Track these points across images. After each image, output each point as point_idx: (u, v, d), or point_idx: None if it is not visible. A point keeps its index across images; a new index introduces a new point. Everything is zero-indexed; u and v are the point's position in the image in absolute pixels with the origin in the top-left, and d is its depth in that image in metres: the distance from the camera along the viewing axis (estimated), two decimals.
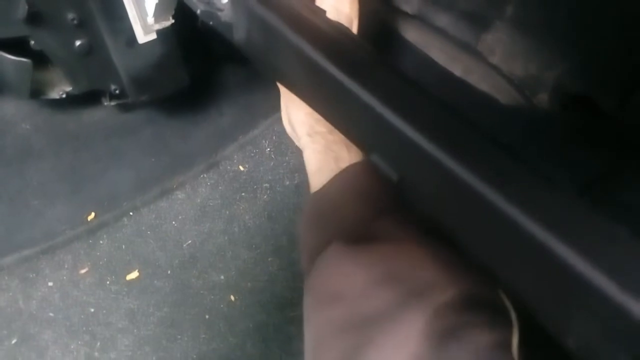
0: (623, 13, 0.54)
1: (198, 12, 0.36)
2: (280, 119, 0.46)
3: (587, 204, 0.23)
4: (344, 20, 0.44)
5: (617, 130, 0.57)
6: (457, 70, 0.76)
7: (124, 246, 0.75)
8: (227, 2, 0.36)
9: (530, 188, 0.23)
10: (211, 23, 0.37)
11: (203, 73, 0.76)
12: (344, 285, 0.32)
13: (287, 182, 0.85)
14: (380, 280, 0.30)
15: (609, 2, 0.54)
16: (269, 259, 0.80)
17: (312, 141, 0.44)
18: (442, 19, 0.76)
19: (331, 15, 0.42)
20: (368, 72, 0.29)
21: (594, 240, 0.20)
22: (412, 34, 0.82)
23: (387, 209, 0.37)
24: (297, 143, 0.46)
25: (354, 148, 0.42)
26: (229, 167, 0.84)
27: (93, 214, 0.75)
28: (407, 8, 0.81)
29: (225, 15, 0.36)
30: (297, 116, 0.44)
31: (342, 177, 0.39)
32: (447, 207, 0.25)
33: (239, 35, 0.35)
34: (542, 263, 0.21)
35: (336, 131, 0.42)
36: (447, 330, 0.26)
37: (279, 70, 0.36)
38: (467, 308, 0.27)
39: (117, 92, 0.64)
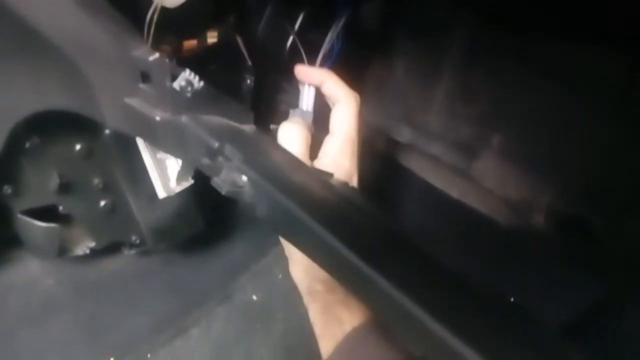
0: (606, 144, 0.59)
1: (223, 192, 0.40)
2: None
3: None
4: (343, 174, 0.48)
5: (615, 253, 0.60)
6: (454, 193, 0.81)
7: None
8: (247, 182, 0.40)
9: None
10: (237, 199, 0.41)
11: (216, 212, 0.80)
12: None
13: (301, 309, 0.86)
14: None
15: (591, 135, 0.59)
16: None
17: (312, 300, 0.45)
18: (434, 148, 0.82)
19: (332, 167, 0.46)
20: (381, 255, 0.33)
21: None
22: (408, 160, 0.88)
23: None
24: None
25: (354, 305, 0.43)
26: (242, 298, 0.86)
27: None
28: (401, 138, 0.88)
29: (247, 193, 0.40)
30: (296, 272, 0.47)
31: (346, 346, 0.40)
32: None
33: (260, 212, 0.39)
34: None
35: (335, 290, 0.44)
36: None
37: (295, 240, 0.39)
38: None
39: (137, 241, 0.68)
